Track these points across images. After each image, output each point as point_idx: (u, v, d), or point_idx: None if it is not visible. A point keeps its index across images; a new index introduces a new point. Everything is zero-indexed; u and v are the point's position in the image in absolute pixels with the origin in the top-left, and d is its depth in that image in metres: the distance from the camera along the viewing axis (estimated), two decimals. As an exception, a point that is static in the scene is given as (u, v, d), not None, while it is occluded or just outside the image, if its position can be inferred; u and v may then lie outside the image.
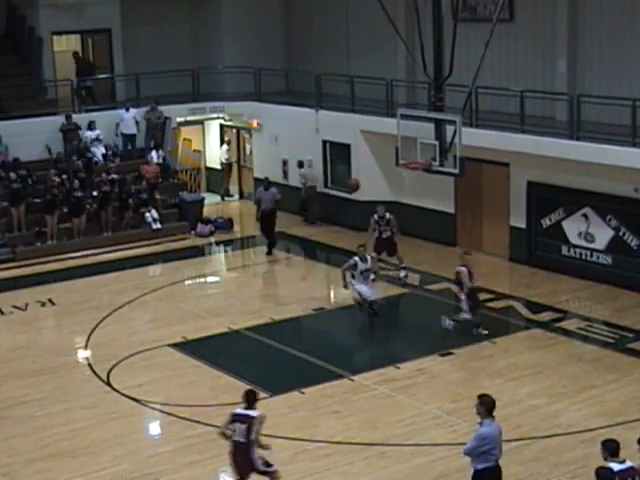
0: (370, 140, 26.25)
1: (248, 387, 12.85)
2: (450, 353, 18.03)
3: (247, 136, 31.23)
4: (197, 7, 31.92)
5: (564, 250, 22.43)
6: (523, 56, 24.29)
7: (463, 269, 18.65)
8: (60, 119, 27.83)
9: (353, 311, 20.79)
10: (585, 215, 21.91)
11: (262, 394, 15.43)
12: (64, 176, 26.20)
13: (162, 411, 16.07)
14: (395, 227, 21.96)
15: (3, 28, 30.65)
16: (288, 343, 18.78)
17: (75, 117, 28.00)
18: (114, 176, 26.62)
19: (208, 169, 32.48)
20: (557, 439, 14.51)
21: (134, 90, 29.44)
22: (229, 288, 23.41)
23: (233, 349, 19.09)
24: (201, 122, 31.73)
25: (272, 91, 29.53)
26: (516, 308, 20.40)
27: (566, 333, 18.93)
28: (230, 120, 31.21)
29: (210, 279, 24.28)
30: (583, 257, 22.09)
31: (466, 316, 18.65)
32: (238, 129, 31.47)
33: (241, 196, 31.51)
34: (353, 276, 19.85)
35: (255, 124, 29.95)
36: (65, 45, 31.64)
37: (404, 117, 19.94)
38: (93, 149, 28.01)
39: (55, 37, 30.35)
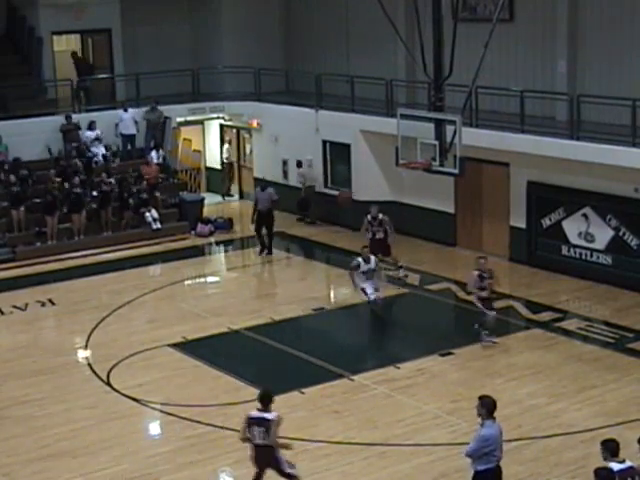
0: (370, 140, 26.25)
1: (262, 388, 12.71)
2: (450, 353, 18.03)
3: (247, 136, 31.24)
4: (197, 7, 31.93)
5: (564, 250, 22.43)
6: (523, 56, 24.29)
7: (473, 273, 18.33)
8: (60, 119, 27.84)
9: (353, 311, 20.80)
10: (585, 215, 21.91)
11: (262, 394, 15.48)
12: (64, 177, 26.24)
13: (162, 411, 16.07)
14: (389, 227, 21.87)
15: (3, 28, 30.65)
16: (288, 343, 18.78)
17: (75, 117, 28.01)
18: (111, 180, 26.59)
19: (208, 169, 32.49)
20: (557, 439, 14.51)
21: (134, 90, 29.44)
22: (229, 288, 23.41)
23: (233, 349, 19.09)
24: (201, 122, 31.73)
25: (272, 91, 29.53)
26: (516, 308, 20.40)
27: (566, 333, 18.93)
28: (230, 120, 31.22)
29: (210, 279, 24.28)
30: (583, 257, 22.09)
31: (490, 315, 18.32)
32: (238, 129, 31.48)
33: (241, 196, 31.52)
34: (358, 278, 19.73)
35: (255, 124, 29.96)
36: (65, 45, 31.65)
37: (404, 117, 19.95)
38: (93, 149, 28.02)
39: (55, 37, 30.36)
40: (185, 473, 13.96)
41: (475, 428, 11.97)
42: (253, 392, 16.13)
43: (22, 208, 25.53)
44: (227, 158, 31.66)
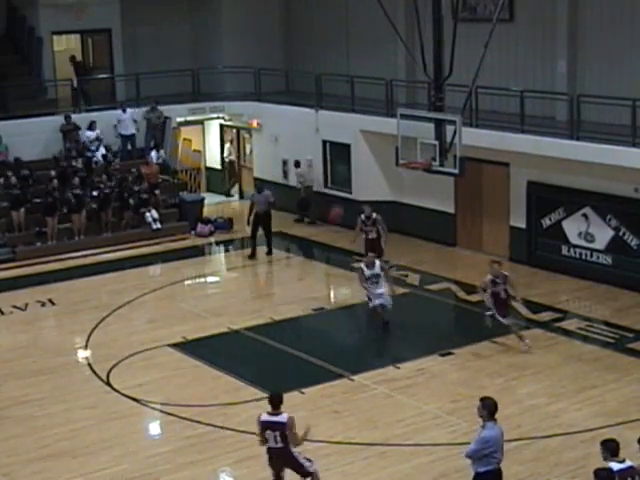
0: (370, 140, 26.25)
1: (272, 390, 12.59)
2: (450, 353, 18.03)
3: (247, 136, 31.25)
4: (197, 7, 31.93)
5: (564, 250, 22.43)
6: (523, 56, 24.29)
7: (486, 278, 17.99)
8: (60, 119, 27.84)
9: (353, 311, 20.80)
10: (585, 215, 21.91)
11: (262, 394, 15.48)
12: (64, 178, 26.25)
13: (162, 411, 16.07)
14: (382, 227, 21.84)
15: (3, 28, 30.66)
16: (288, 343, 18.78)
17: (75, 117, 28.02)
18: (110, 184, 26.55)
19: (208, 169, 32.51)
20: (557, 439, 14.51)
21: (134, 90, 29.44)
22: (229, 288, 23.41)
23: (233, 349, 19.09)
24: (201, 122, 31.75)
25: (272, 91, 29.54)
26: (516, 308, 20.37)
27: (566, 333, 18.93)
28: (230, 120, 31.23)
29: (210, 279, 24.28)
30: (583, 257, 22.09)
31: (504, 321, 18.06)
32: (238, 129, 31.49)
33: (241, 196, 31.52)
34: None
35: (255, 124, 29.97)
36: (65, 45, 31.65)
37: (404, 117, 19.95)
38: (93, 149, 28.00)
39: (55, 37, 30.36)
40: (185, 473, 13.96)
41: (475, 428, 11.97)
42: (253, 392, 16.24)
43: (22, 210, 25.53)
44: (228, 157, 31.69)
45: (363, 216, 21.80)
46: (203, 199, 28.92)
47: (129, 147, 28.77)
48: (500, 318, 18.00)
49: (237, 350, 19.00)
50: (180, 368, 17.83)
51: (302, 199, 28.07)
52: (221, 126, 31.92)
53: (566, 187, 22.06)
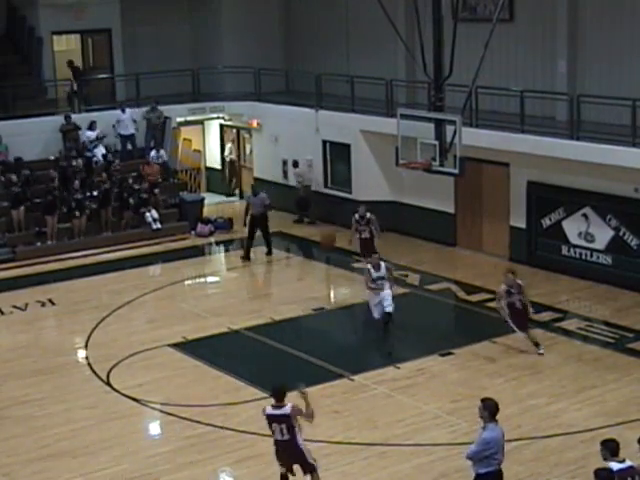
0: (370, 140, 26.26)
1: (276, 383, 12.54)
2: (450, 353, 18.03)
3: (247, 136, 31.26)
4: (197, 7, 31.93)
5: (564, 250, 22.43)
6: (523, 56, 24.28)
7: (500, 288, 17.74)
8: (60, 119, 27.84)
9: (353, 311, 20.80)
10: (585, 215, 21.91)
11: (262, 394, 15.50)
12: (64, 178, 26.26)
13: (162, 411, 16.07)
14: (375, 227, 21.84)
15: (3, 28, 30.67)
16: (288, 343, 18.78)
17: (75, 117, 28.02)
18: (106, 186, 26.53)
19: (208, 169, 32.52)
20: (557, 439, 14.50)
21: (134, 90, 29.44)
22: (229, 288, 23.41)
23: (233, 349, 19.09)
24: (201, 122, 31.76)
25: (272, 91, 29.54)
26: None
27: (566, 333, 18.93)
28: (230, 120, 31.23)
29: (210, 279, 24.28)
30: (583, 257, 22.09)
31: (520, 334, 17.81)
32: (238, 129, 31.49)
33: (241, 196, 31.51)
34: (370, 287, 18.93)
35: (255, 124, 29.97)
36: (65, 45, 31.64)
37: (404, 117, 19.94)
38: (93, 149, 27.99)
39: (55, 37, 30.36)
40: (185, 473, 13.96)
41: (475, 428, 11.97)
42: (253, 392, 16.24)
43: (22, 208, 25.53)
44: (228, 156, 31.72)
45: (357, 216, 21.92)
46: (203, 199, 28.93)
47: (129, 147, 28.77)
48: (516, 329, 17.72)
49: (237, 350, 19.00)
50: (180, 368, 17.83)
51: (301, 198, 28.09)
52: (221, 126, 31.92)
53: (566, 187, 22.05)
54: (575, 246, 22.21)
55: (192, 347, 18.74)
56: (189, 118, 30.66)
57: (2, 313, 21.23)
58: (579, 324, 19.37)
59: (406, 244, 25.23)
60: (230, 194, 31.66)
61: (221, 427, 15.23)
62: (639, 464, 10.67)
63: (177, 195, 28.44)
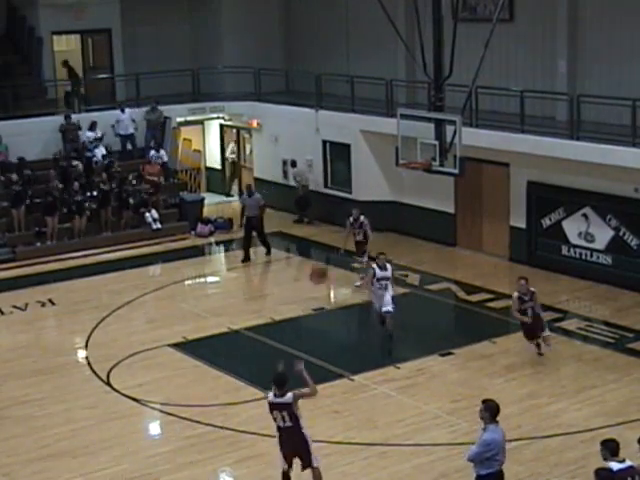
0: (370, 140, 26.25)
1: (276, 372, 12.62)
2: (450, 353, 18.03)
3: (247, 136, 31.25)
4: (197, 7, 31.92)
5: (564, 250, 22.43)
6: (523, 56, 24.28)
7: (513, 295, 17.49)
8: (60, 119, 27.84)
9: (353, 311, 20.80)
10: (585, 215, 21.91)
11: (262, 394, 15.48)
12: (64, 178, 26.26)
13: (162, 411, 16.07)
14: (368, 230, 21.85)
15: (3, 28, 30.66)
16: (288, 343, 18.77)
17: (75, 117, 28.02)
18: (105, 187, 26.52)
19: (208, 169, 32.51)
20: (557, 439, 14.51)
21: (134, 90, 29.45)
22: (229, 288, 23.42)
23: (233, 349, 19.09)
24: (201, 122, 31.75)
25: (272, 91, 29.54)
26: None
27: (566, 333, 18.93)
28: (230, 120, 31.22)
29: (210, 279, 24.28)
30: (583, 257, 22.09)
31: (529, 343, 17.60)
32: (238, 129, 31.49)
33: (241, 196, 31.50)
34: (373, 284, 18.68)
35: (255, 124, 29.97)
36: (65, 45, 31.64)
37: (404, 117, 19.94)
38: (93, 149, 27.99)
39: (55, 37, 30.35)
40: (185, 473, 13.96)
41: (475, 428, 11.96)
42: (253, 392, 16.25)
43: (22, 208, 25.53)
44: (230, 156, 31.72)
45: (351, 218, 21.98)
46: (203, 199, 28.93)
47: (128, 147, 28.76)
48: (525, 338, 17.55)
49: (237, 350, 19.01)
50: (180, 368, 17.84)
51: (300, 198, 28.11)
52: (221, 126, 31.92)
53: (566, 187, 22.06)
54: (575, 246, 22.21)
55: (192, 347, 18.74)
56: (189, 118, 30.66)
57: (2, 313, 21.23)
58: (579, 324, 19.38)
59: (406, 244, 25.23)
60: (228, 194, 31.65)
61: (221, 427, 15.23)
62: (639, 464, 10.67)
63: (177, 195, 28.44)
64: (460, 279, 22.43)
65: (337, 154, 27.56)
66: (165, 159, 28.58)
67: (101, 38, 30.98)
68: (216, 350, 18.81)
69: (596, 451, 11.05)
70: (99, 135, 28.04)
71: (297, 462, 12.63)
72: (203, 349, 18.71)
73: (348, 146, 26.92)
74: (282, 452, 12.54)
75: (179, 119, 30.32)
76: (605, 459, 10.61)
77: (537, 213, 22.85)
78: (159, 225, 26.82)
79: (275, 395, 12.36)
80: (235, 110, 30.30)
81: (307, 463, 12.49)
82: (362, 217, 21.93)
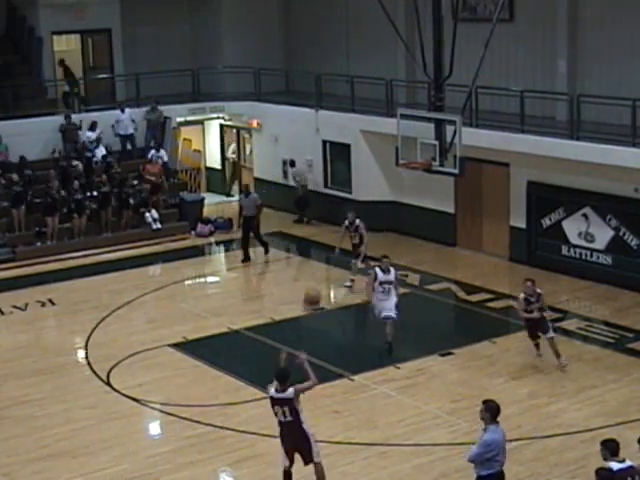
0: (370, 140, 26.26)
1: (278, 368, 12.63)
2: (450, 353, 18.03)
3: (247, 136, 31.25)
4: (197, 7, 31.92)
5: (564, 250, 22.43)
6: (523, 56, 24.28)
7: (520, 296, 17.30)
8: (60, 119, 27.84)
9: (353, 311, 20.80)
10: (585, 215, 21.91)
11: (262, 394, 15.47)
12: (64, 178, 26.25)
13: (162, 411, 16.07)
14: (363, 233, 21.80)
15: (3, 28, 30.66)
16: (288, 343, 18.71)
17: (75, 117, 28.02)
18: (105, 188, 26.52)
19: (208, 169, 32.51)
20: (557, 439, 14.51)
21: (134, 90, 29.45)
22: (229, 288, 23.42)
23: (233, 349, 19.09)
24: (201, 122, 31.75)
25: (272, 91, 29.54)
26: (516, 308, 20.35)
27: (566, 333, 18.92)
28: (230, 120, 31.22)
29: (210, 279, 24.28)
30: (583, 257, 22.09)
31: (533, 342, 17.49)
32: (238, 129, 31.49)
33: (245, 197, 31.46)
34: (373, 289, 18.24)
35: (255, 124, 29.97)
36: (65, 45, 31.65)
37: (404, 117, 19.94)
38: (93, 149, 27.98)
39: (55, 37, 30.35)
40: (185, 473, 13.96)
41: (475, 428, 11.96)
42: (253, 392, 16.25)
43: (22, 208, 25.53)
44: (233, 157, 31.74)
45: (347, 222, 21.98)
46: (203, 199, 28.94)
47: (128, 147, 28.76)
48: (531, 340, 17.44)
49: (237, 350, 19.01)
50: (180, 368, 17.84)
51: (299, 197, 28.11)
52: (221, 126, 31.92)
53: (566, 187, 22.06)
54: (575, 246, 22.21)
55: (192, 347, 18.74)
56: (189, 118, 30.67)
57: (2, 313, 21.23)
58: (579, 324, 19.38)
59: (406, 244, 25.23)
60: (229, 194, 31.66)
61: (221, 427, 15.23)
62: (639, 464, 10.68)
63: (177, 195, 28.44)
64: (460, 279, 22.43)
65: (337, 154, 27.56)
66: (165, 159, 28.58)
67: (101, 38, 30.98)
68: (216, 350, 18.81)
69: (596, 451, 11.06)
70: (99, 135, 28.04)
71: (300, 460, 12.63)
72: (203, 349, 18.71)
73: (348, 146, 26.92)
74: (283, 447, 12.57)
75: (179, 119, 30.33)
76: (605, 459, 10.62)
77: (537, 213, 22.85)
78: (159, 225, 26.82)
79: (276, 390, 12.39)
80: (235, 110, 30.30)
81: (308, 458, 12.51)
82: (357, 220, 21.90)
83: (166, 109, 29.07)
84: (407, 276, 22.58)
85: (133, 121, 28.47)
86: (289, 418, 12.34)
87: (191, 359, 18.21)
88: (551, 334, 17.28)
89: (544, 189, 22.55)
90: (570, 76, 23.11)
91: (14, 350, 19.14)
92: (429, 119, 19.50)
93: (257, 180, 30.06)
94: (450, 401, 15.90)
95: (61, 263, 24.90)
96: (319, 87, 27.88)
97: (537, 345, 17.63)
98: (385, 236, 25.63)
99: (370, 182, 26.50)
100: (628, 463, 10.55)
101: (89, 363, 18.22)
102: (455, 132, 18.53)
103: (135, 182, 27.29)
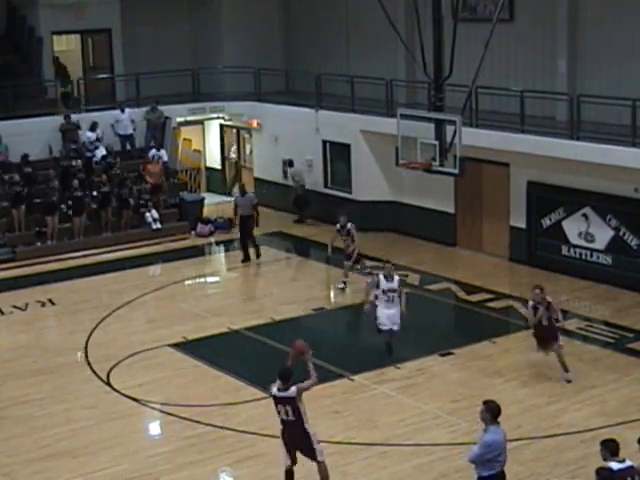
0: (370, 140, 26.26)
1: (281, 367, 12.65)
2: (450, 353, 18.03)
3: (247, 136, 31.25)
4: (197, 7, 31.93)
5: (564, 250, 22.43)
6: (523, 56, 24.28)
7: (529, 304, 17.03)
8: (60, 119, 27.84)
9: (353, 311, 20.79)
10: (585, 215, 21.91)
11: (262, 394, 15.50)
12: (64, 177, 26.25)
13: (162, 411, 16.07)
14: (354, 236, 21.80)
15: (3, 28, 30.67)
16: (288, 343, 18.70)
17: (75, 117, 28.01)
18: (105, 188, 26.51)
19: (208, 169, 32.51)
20: (557, 439, 14.51)
21: (134, 90, 29.45)
22: (229, 288, 23.42)
23: (233, 349, 19.09)
24: (201, 122, 31.75)
25: (272, 91, 29.54)
26: (516, 308, 20.39)
27: (566, 333, 18.88)
28: (230, 120, 31.22)
29: (210, 279, 24.28)
30: (583, 257, 22.09)
31: (541, 352, 17.07)
32: (238, 129, 31.49)
33: (242, 196, 31.44)
34: (377, 297, 18.03)
35: (255, 124, 29.97)
36: (65, 45, 31.65)
37: (404, 117, 19.94)
38: (93, 149, 27.97)
39: (55, 37, 30.35)
40: (185, 473, 13.96)
41: (475, 428, 11.95)
42: (253, 392, 16.25)
43: (22, 207, 25.53)
44: (233, 157, 31.74)
45: (338, 225, 22.02)
46: (203, 199, 28.94)
47: (128, 147, 28.77)
48: (537, 346, 17.07)
49: (237, 350, 19.01)
50: (180, 368, 17.84)
51: (298, 197, 28.12)
52: (221, 126, 31.92)
53: (566, 187, 22.06)
54: (575, 246, 22.21)
55: (192, 347, 18.74)
56: (189, 118, 30.67)
57: (2, 313, 21.24)
58: (579, 324, 19.37)
59: (406, 244, 25.23)
60: (230, 194, 31.65)
61: (221, 427, 15.23)
62: (639, 464, 10.68)
63: (177, 195, 28.44)
64: (460, 279, 22.43)
65: (337, 154, 27.57)
66: (165, 159, 28.58)
67: (101, 38, 30.98)
68: (216, 350, 18.81)
69: (596, 451, 11.06)
70: (100, 135, 28.04)
71: (303, 459, 12.63)
72: (203, 349, 18.71)
73: (348, 146, 26.93)
74: (285, 446, 12.57)
75: (179, 119, 30.33)
76: (605, 459, 10.62)
77: (537, 213, 22.85)
78: (159, 225, 26.82)
79: (279, 389, 12.39)
80: (235, 110, 30.30)
81: (312, 458, 12.52)
82: (349, 224, 21.91)
83: (166, 109, 29.07)
84: (407, 276, 22.57)
85: (132, 121, 28.47)
86: (291, 417, 12.35)
87: (191, 359, 18.20)
88: (560, 344, 16.75)
89: (544, 189, 22.55)
90: (570, 76, 23.11)
91: (14, 350, 19.14)
92: (429, 119, 19.50)
93: (257, 180, 30.05)
94: (450, 401, 15.89)
95: (61, 263, 24.90)
96: (319, 87, 27.88)
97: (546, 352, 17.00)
98: (385, 236, 25.64)
99: (370, 182, 26.50)
100: (628, 463, 10.55)
101: (89, 363, 18.22)
102: (455, 132, 18.54)
103: (132, 183, 27.22)
